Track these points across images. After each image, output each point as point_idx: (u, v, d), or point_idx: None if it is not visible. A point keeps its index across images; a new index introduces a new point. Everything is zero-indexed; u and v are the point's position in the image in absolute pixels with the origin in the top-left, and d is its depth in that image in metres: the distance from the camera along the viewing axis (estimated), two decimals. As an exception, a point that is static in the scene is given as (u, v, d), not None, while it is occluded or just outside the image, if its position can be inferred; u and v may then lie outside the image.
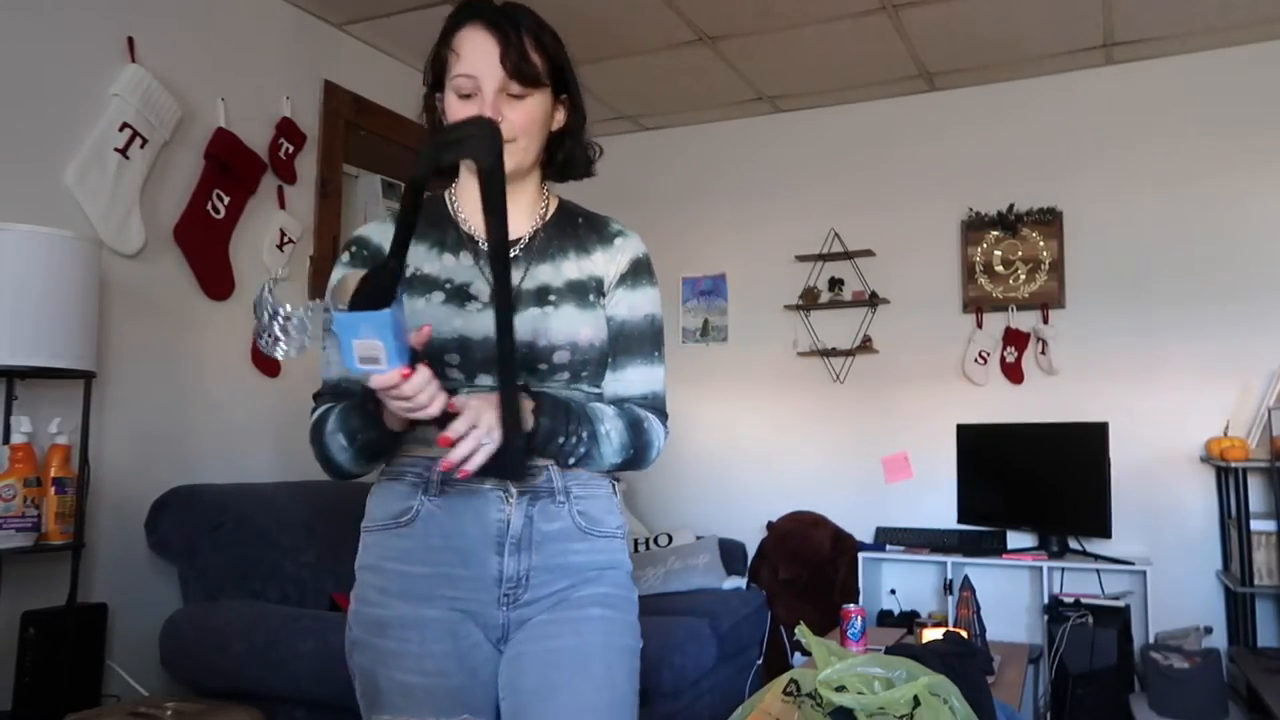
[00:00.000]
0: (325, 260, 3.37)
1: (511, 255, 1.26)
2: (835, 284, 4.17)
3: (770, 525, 4.13)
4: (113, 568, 2.60)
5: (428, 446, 1.21)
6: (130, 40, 2.70)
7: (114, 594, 2.57)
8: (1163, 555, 3.56)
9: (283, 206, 3.20)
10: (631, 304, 1.31)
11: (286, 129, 3.19)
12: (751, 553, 4.11)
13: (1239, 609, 3.34)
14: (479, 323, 1.21)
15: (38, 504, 2.25)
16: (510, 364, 1.07)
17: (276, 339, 1.03)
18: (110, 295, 2.62)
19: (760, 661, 3.64)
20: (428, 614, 1.19)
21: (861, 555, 3.80)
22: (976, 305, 3.95)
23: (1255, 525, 3.21)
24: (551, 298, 1.25)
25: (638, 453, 1.27)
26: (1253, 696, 2.95)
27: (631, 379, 1.31)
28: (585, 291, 1.28)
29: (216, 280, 2.94)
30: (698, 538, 3.97)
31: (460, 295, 1.23)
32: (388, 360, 0.98)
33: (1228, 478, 3.40)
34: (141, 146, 2.68)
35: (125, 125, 2.64)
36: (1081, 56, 3.75)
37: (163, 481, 2.67)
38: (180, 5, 2.88)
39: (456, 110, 1.22)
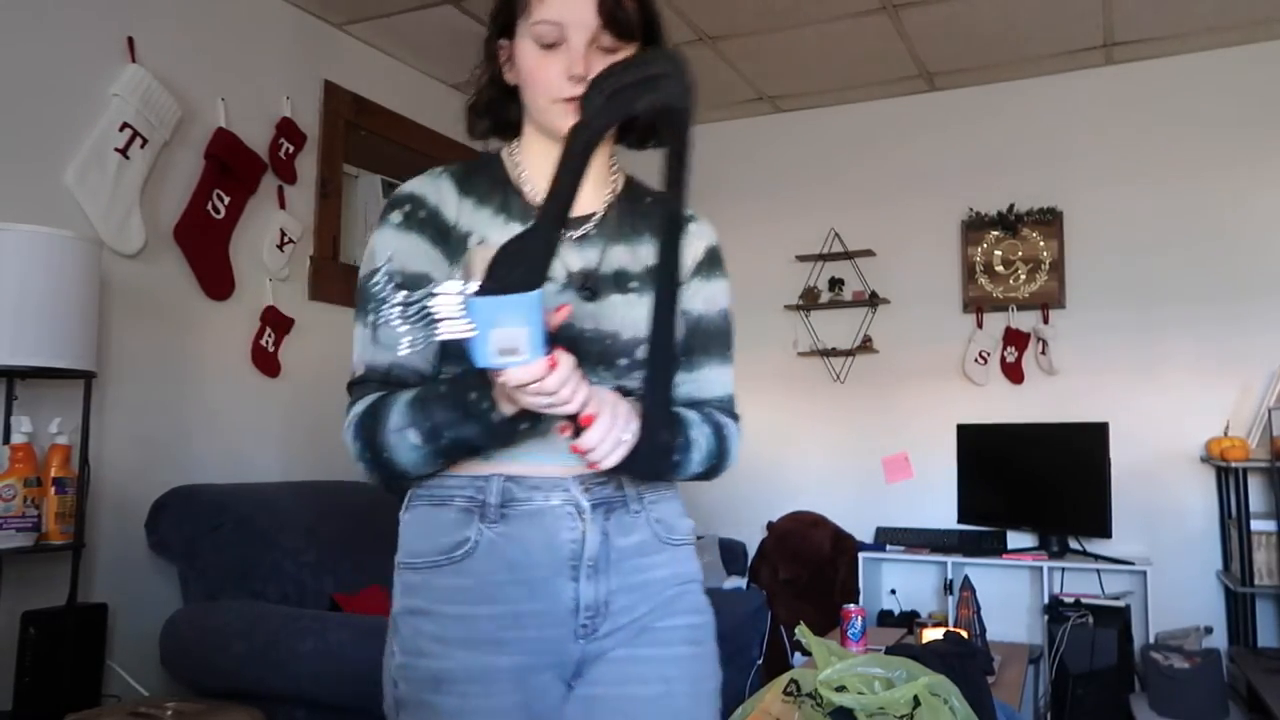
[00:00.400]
0: (325, 260, 3.37)
1: (584, 233, 1.12)
2: (835, 284, 4.17)
3: (770, 525, 4.13)
4: (113, 568, 2.60)
5: (483, 461, 1.05)
6: (130, 40, 2.70)
7: (114, 594, 2.57)
8: (1163, 555, 3.55)
9: (283, 206, 3.20)
10: (708, 297, 1.20)
11: (287, 129, 3.19)
12: (752, 553, 4.11)
13: (1239, 609, 3.34)
14: (557, 307, 1.06)
15: (38, 504, 2.25)
16: (668, 348, 0.96)
17: (398, 328, 0.84)
18: (110, 295, 2.62)
19: (760, 661, 3.64)
20: (496, 663, 1.02)
21: (861, 555, 3.80)
22: (977, 305, 3.95)
23: (1255, 525, 3.21)
24: (632, 284, 1.11)
25: (718, 462, 1.15)
26: (1253, 696, 2.95)
27: (709, 380, 1.20)
28: (664, 280, 1.15)
29: (217, 280, 2.94)
30: (698, 538, 3.98)
31: None
32: (530, 350, 0.82)
33: (1228, 478, 3.40)
34: (142, 146, 2.68)
35: (125, 125, 2.64)
36: (1081, 56, 3.75)
37: (163, 481, 2.67)
38: (180, 5, 2.88)
39: (534, 64, 1.05)
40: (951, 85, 4.04)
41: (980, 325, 3.93)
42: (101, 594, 2.55)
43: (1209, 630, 3.42)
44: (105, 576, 2.58)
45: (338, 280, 3.40)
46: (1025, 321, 3.87)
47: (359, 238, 3.51)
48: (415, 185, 1.11)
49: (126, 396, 2.68)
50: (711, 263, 1.21)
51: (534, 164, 1.13)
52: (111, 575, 2.59)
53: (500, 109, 1.15)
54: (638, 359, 1.09)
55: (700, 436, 1.12)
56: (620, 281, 1.11)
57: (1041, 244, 3.86)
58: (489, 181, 1.13)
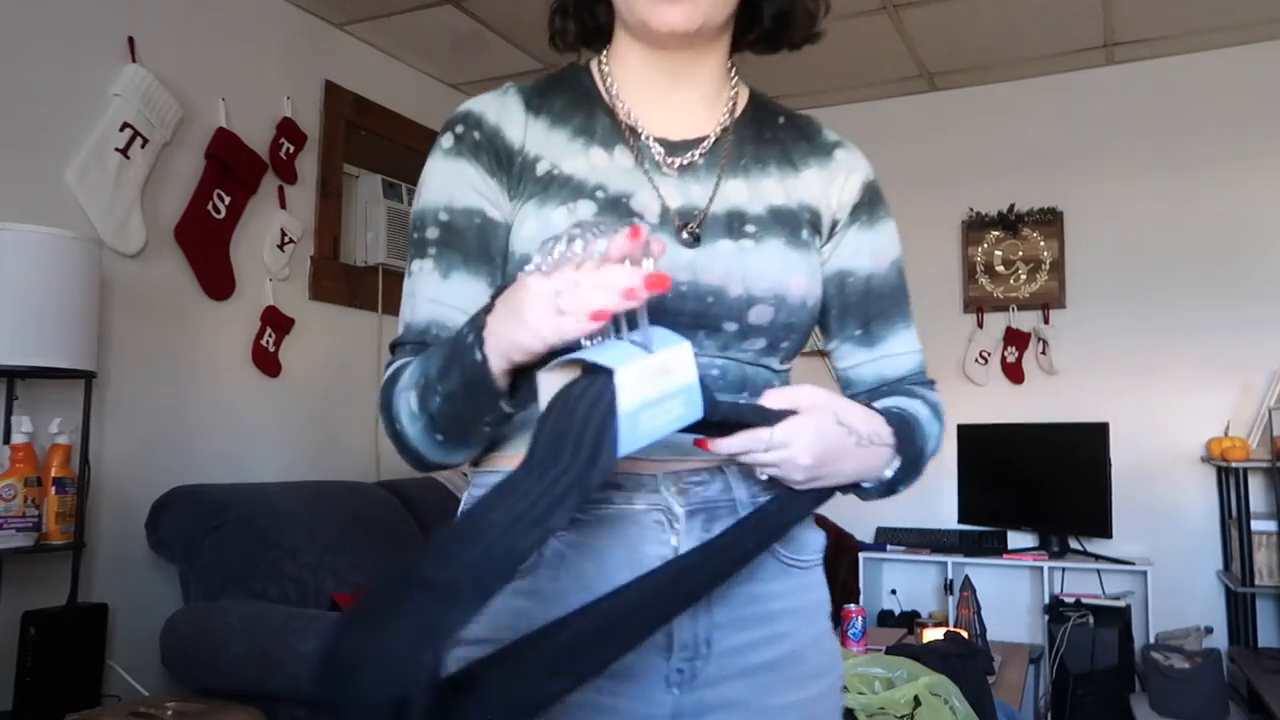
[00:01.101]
0: (326, 260, 3.37)
1: (690, 162, 0.90)
2: (836, 284, 4.17)
3: (771, 525, 4.13)
4: (113, 568, 2.60)
5: None
6: (131, 40, 2.70)
7: (114, 594, 2.57)
8: (1163, 555, 3.55)
9: (283, 206, 3.20)
10: (876, 248, 0.95)
11: (287, 129, 3.19)
12: (752, 553, 4.10)
13: (1240, 609, 3.34)
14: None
15: (38, 504, 2.25)
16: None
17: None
18: (111, 295, 2.62)
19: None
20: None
21: (862, 555, 3.80)
22: (977, 305, 3.95)
23: (1256, 525, 3.21)
24: (749, 229, 0.88)
25: (926, 462, 0.93)
26: (1253, 697, 2.95)
27: (897, 352, 0.97)
28: (796, 224, 0.91)
29: (217, 280, 2.94)
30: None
31: (618, 209, 0.86)
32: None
33: (1228, 478, 3.40)
34: (142, 146, 2.68)
35: (126, 125, 2.64)
36: (1081, 56, 3.74)
37: (163, 481, 2.67)
38: (181, 5, 2.88)
39: None
40: (952, 85, 4.04)
41: (981, 325, 3.93)
42: (102, 594, 2.55)
43: (1209, 630, 3.42)
44: (105, 576, 2.58)
45: (338, 280, 3.40)
46: (1026, 321, 3.87)
47: (359, 238, 3.51)
48: (475, 102, 0.91)
49: (127, 396, 2.68)
50: (873, 203, 0.96)
51: (627, 76, 0.93)
52: (112, 575, 2.59)
53: (588, 7, 0.96)
54: (751, 324, 0.86)
55: (930, 439, 0.92)
56: (733, 224, 0.88)
57: (1042, 244, 3.85)
58: (569, 98, 0.92)
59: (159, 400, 2.78)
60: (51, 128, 2.51)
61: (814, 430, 0.78)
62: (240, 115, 3.04)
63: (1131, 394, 3.67)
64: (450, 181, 0.87)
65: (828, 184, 0.95)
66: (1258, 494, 3.37)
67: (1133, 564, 3.44)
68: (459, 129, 0.88)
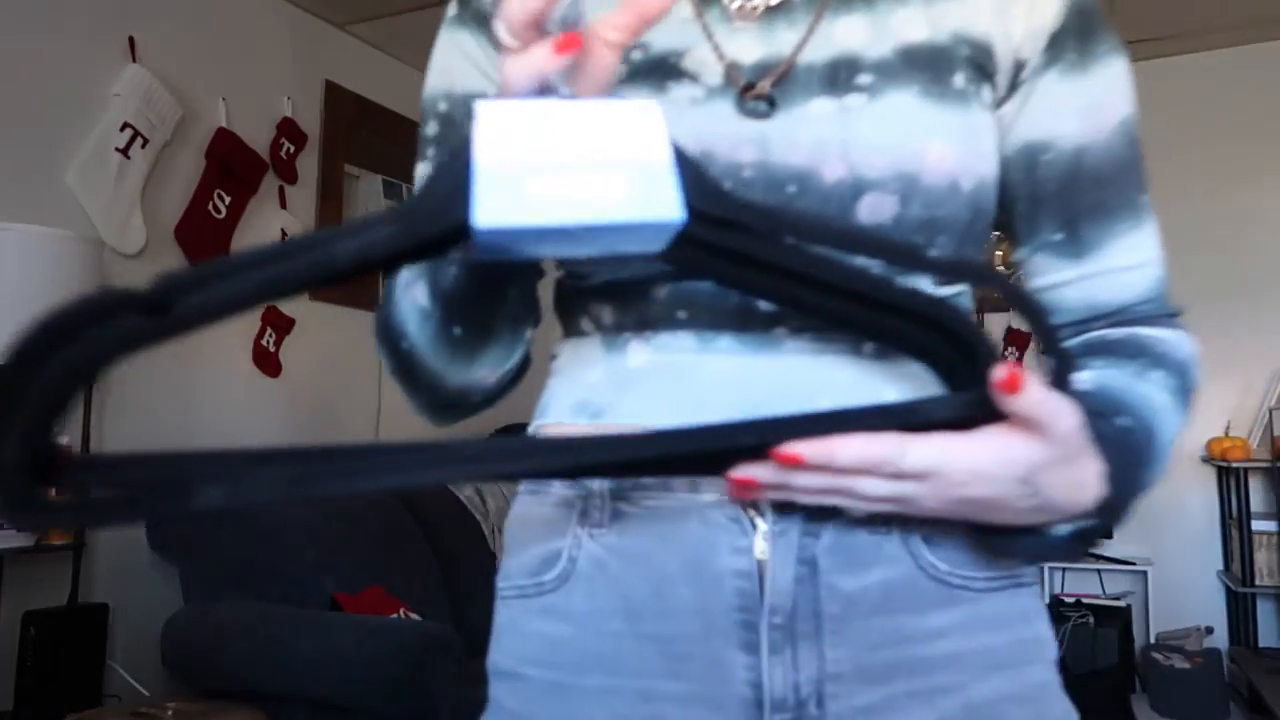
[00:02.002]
0: (326, 260, 3.37)
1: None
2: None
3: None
4: (114, 568, 2.60)
5: (592, 415, 0.62)
6: (131, 40, 2.70)
7: (115, 594, 2.57)
8: (1164, 555, 3.55)
9: (284, 207, 3.20)
10: (1090, 103, 0.63)
11: (288, 129, 3.19)
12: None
13: (1240, 609, 3.34)
14: (695, 126, 0.59)
15: (39, 504, 2.25)
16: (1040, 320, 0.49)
17: None
18: (111, 295, 2.62)
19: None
20: None
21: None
22: (978, 306, 3.94)
23: (1256, 525, 3.21)
24: (862, 79, 0.60)
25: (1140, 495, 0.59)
26: (1254, 697, 2.95)
27: (1119, 266, 0.65)
28: (943, 65, 0.61)
29: (217, 280, 2.94)
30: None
31: (660, 72, 0.61)
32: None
33: (1229, 478, 3.40)
34: (143, 146, 2.68)
35: (126, 125, 2.64)
36: (1082, 56, 3.75)
37: (164, 481, 2.67)
38: (181, 5, 2.88)
39: None
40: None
41: (982, 326, 3.92)
42: (102, 594, 2.55)
43: (1210, 630, 3.42)
44: (106, 576, 2.58)
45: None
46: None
47: (360, 238, 3.51)
48: None
49: (127, 396, 2.68)
50: (1084, 31, 0.64)
51: None
52: (112, 575, 2.59)
53: None
54: (860, 221, 0.58)
55: (1171, 421, 0.61)
56: (837, 75, 0.60)
57: (1042, 244, 3.85)
58: None
59: (159, 400, 2.78)
60: (52, 128, 2.51)
61: (998, 466, 0.48)
62: (241, 115, 3.03)
63: (1132, 394, 3.67)
64: (450, 61, 0.69)
65: (1009, 5, 0.62)
66: (1258, 494, 3.37)
67: (1133, 564, 3.44)
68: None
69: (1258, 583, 3.19)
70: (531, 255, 0.50)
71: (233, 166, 2.96)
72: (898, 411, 0.49)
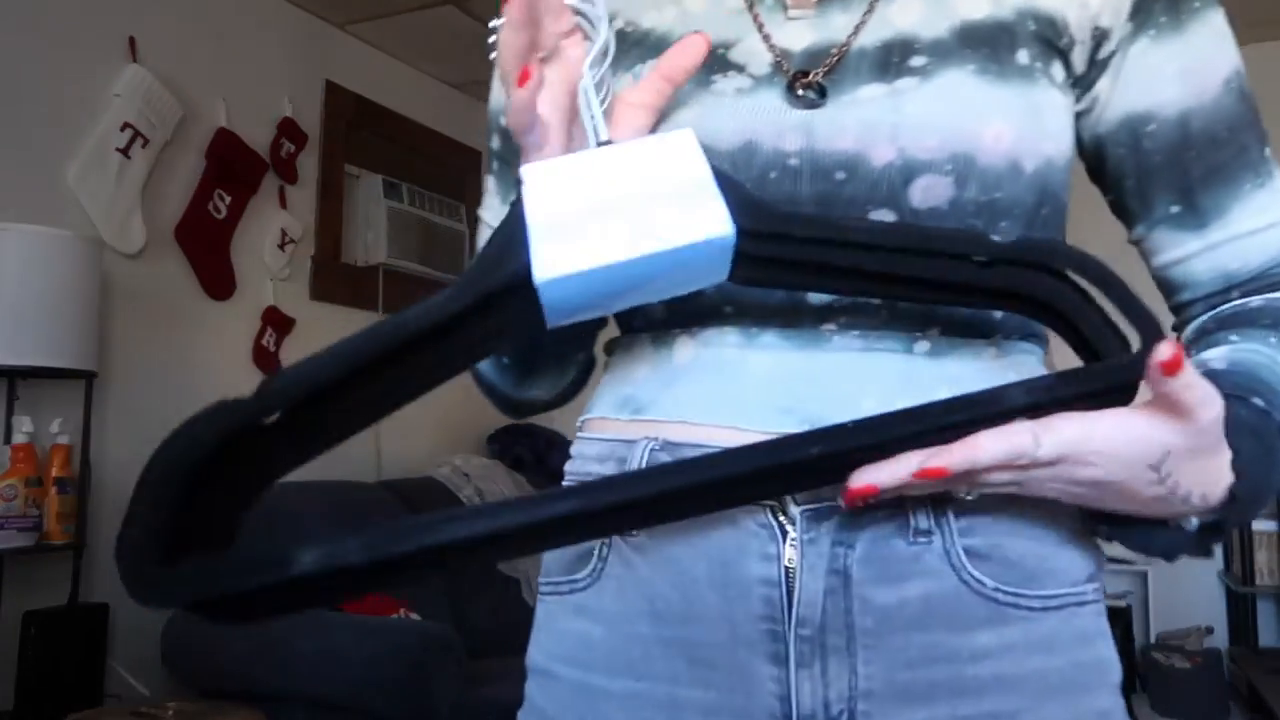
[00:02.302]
0: (327, 260, 3.37)
1: None
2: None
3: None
4: (114, 568, 2.57)
5: (634, 411, 0.61)
6: (132, 40, 2.70)
7: (115, 594, 2.57)
8: (1164, 555, 3.55)
9: (284, 206, 3.20)
10: (1190, 64, 0.59)
11: (288, 129, 3.19)
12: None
13: (1240, 609, 3.34)
14: (739, 116, 0.58)
15: (39, 504, 2.25)
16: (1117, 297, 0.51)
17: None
18: (112, 295, 2.62)
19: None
20: None
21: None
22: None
23: (1257, 525, 3.21)
24: (915, 61, 0.57)
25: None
26: (1254, 697, 2.95)
27: (1248, 229, 0.60)
28: (1003, 43, 0.57)
29: (218, 280, 2.94)
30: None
31: (706, 65, 0.58)
32: None
33: (1229, 478, 3.40)
34: (143, 146, 2.68)
35: (127, 125, 2.64)
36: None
37: (164, 481, 2.67)
38: (182, 5, 2.88)
39: None
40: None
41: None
42: (103, 594, 2.55)
43: (1210, 630, 3.42)
44: (106, 576, 2.58)
45: (339, 280, 3.40)
46: (1026, 321, 3.86)
47: (360, 238, 3.51)
48: None
49: (128, 396, 2.68)
50: None
51: None
52: (113, 575, 2.58)
53: None
54: (918, 208, 0.56)
55: None
56: (889, 59, 0.57)
57: (1042, 244, 3.85)
58: None
59: (160, 400, 2.78)
60: (52, 128, 2.51)
61: (1131, 449, 0.47)
62: (241, 115, 3.03)
63: (1132, 394, 3.67)
64: None
65: None
66: (1258, 494, 3.37)
67: (1133, 564, 3.44)
68: None
69: (1258, 583, 3.18)
70: (598, 308, 0.49)
71: (233, 166, 2.96)
72: (1020, 393, 0.46)
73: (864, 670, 0.54)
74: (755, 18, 0.61)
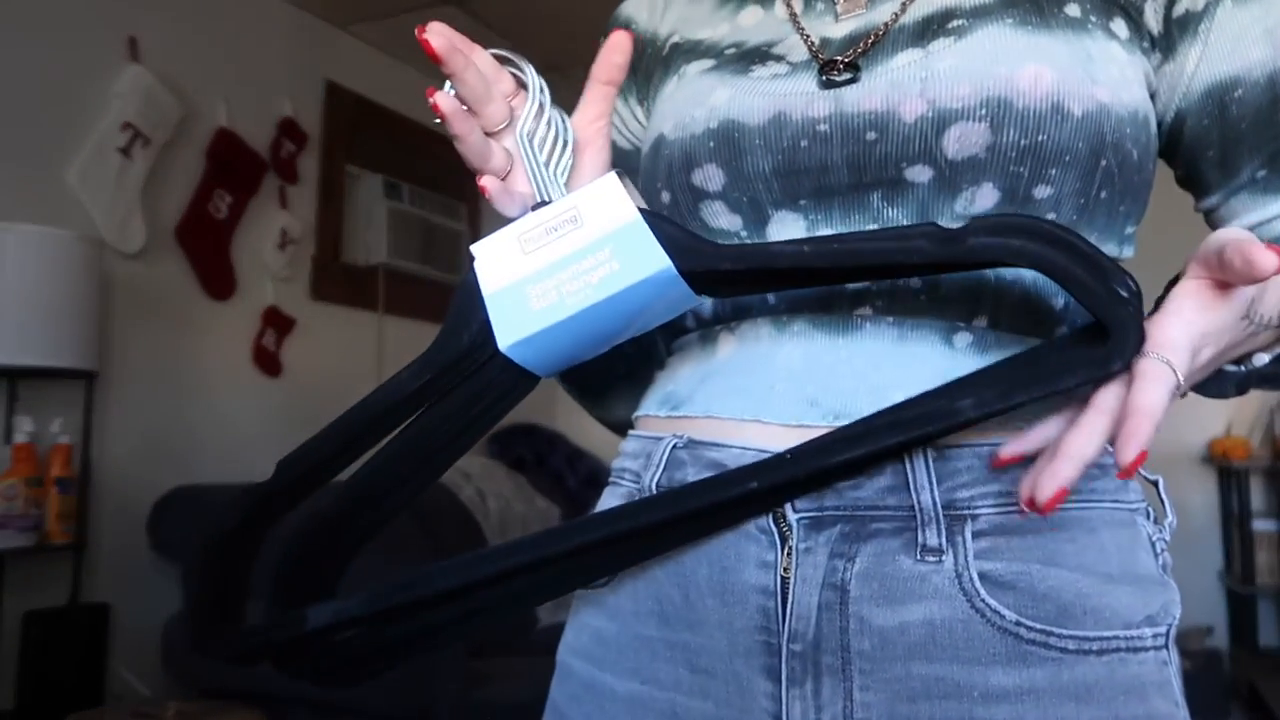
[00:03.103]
0: (327, 260, 3.37)
1: None
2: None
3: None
4: (115, 568, 2.60)
5: (672, 408, 0.61)
6: (132, 40, 2.70)
7: (116, 594, 2.57)
8: (1164, 555, 3.55)
9: (284, 206, 3.20)
10: (1241, 28, 0.56)
11: (288, 129, 3.19)
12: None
13: (1241, 609, 3.34)
14: (768, 94, 0.58)
15: (40, 504, 2.25)
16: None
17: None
18: (112, 295, 2.62)
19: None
20: None
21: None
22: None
23: (1257, 525, 3.21)
24: (955, 23, 0.56)
25: None
26: (1254, 697, 2.95)
27: None
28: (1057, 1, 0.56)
29: (218, 280, 2.94)
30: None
31: (745, 58, 0.62)
32: None
33: (1230, 478, 3.40)
34: (144, 146, 2.68)
35: (127, 125, 2.64)
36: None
37: (165, 481, 2.67)
38: (183, 6, 2.88)
39: None
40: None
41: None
42: (103, 594, 2.55)
43: (1210, 630, 3.42)
44: (107, 576, 2.58)
45: (339, 280, 3.40)
46: (1027, 322, 3.86)
47: (361, 238, 3.51)
48: (626, 4, 0.73)
49: (128, 396, 2.68)
50: None
51: None
52: (113, 575, 2.59)
53: None
54: (954, 159, 0.53)
55: None
56: (929, 28, 0.57)
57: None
58: None
59: (160, 400, 2.78)
60: (53, 128, 2.51)
61: (1223, 317, 0.48)
62: (241, 115, 3.04)
63: (1132, 394, 3.67)
64: None
65: None
66: (1259, 494, 3.37)
67: (1134, 564, 3.44)
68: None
69: (1258, 583, 3.18)
70: (582, 354, 0.52)
71: (233, 166, 2.96)
72: (970, 405, 0.46)
73: (860, 697, 0.50)
74: (800, 28, 0.62)
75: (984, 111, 0.52)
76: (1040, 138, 0.52)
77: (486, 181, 0.52)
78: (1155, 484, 0.57)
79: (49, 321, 2.18)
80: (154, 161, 2.74)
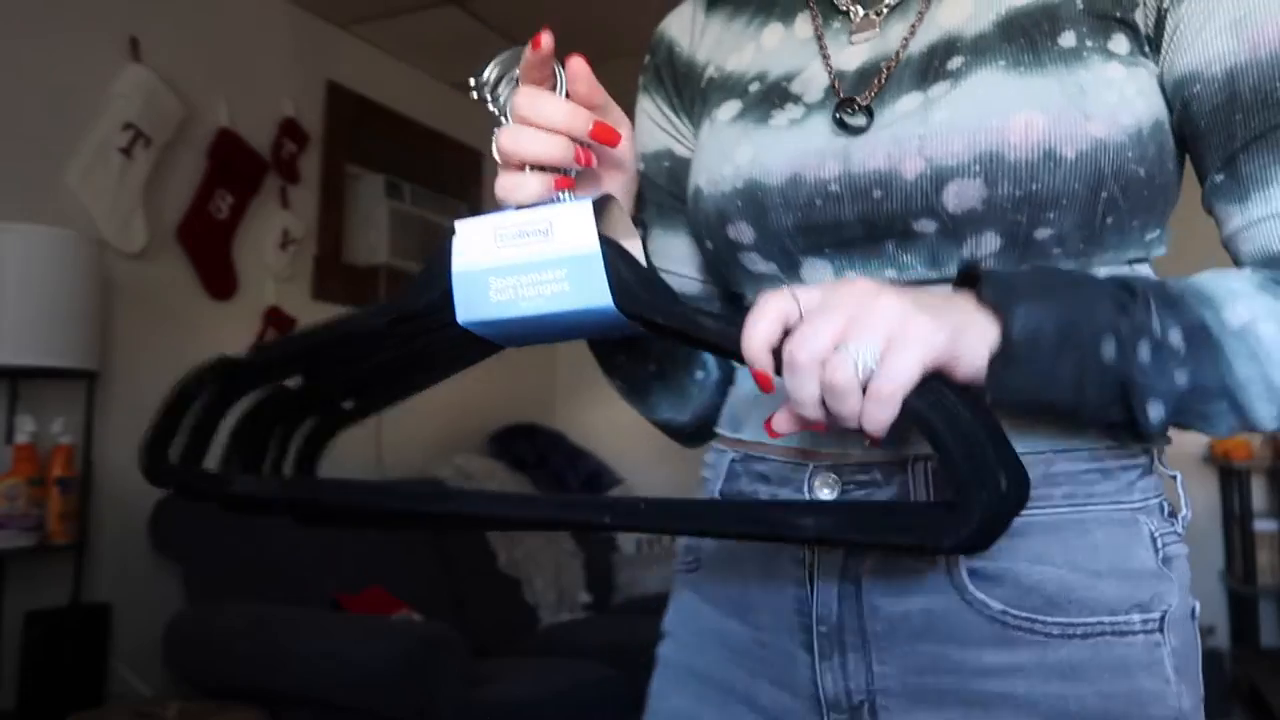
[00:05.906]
0: (328, 260, 3.37)
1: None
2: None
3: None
4: (116, 568, 2.60)
5: (733, 429, 0.69)
6: (134, 40, 2.70)
7: (117, 594, 2.57)
8: (1166, 556, 3.55)
9: (285, 206, 3.20)
10: (1241, 17, 0.54)
11: (289, 129, 3.19)
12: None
13: (1242, 609, 3.34)
14: (786, 151, 0.61)
15: (41, 504, 2.25)
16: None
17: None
18: (113, 295, 2.62)
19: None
20: None
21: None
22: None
23: (1258, 525, 3.21)
24: (953, 63, 0.57)
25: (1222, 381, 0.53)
26: (1255, 697, 2.94)
27: None
28: (1043, 30, 0.56)
29: (220, 280, 2.94)
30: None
31: (766, 100, 0.64)
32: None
33: (1231, 478, 3.40)
34: (145, 146, 2.68)
35: (129, 125, 2.64)
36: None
37: (166, 481, 2.67)
38: (184, 6, 2.88)
39: None
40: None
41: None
42: (104, 594, 2.55)
43: (1211, 631, 3.42)
44: (108, 576, 2.58)
45: (340, 280, 3.40)
46: (1028, 322, 3.86)
47: (362, 238, 3.51)
48: (671, 15, 0.76)
49: (129, 396, 2.68)
50: None
51: None
52: (114, 575, 2.59)
53: None
54: (954, 213, 0.55)
55: (1269, 329, 0.52)
56: (930, 65, 0.58)
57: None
58: None
59: (159, 399, 2.78)
60: (54, 128, 2.51)
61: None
62: (243, 115, 3.04)
63: (1134, 394, 3.67)
64: (640, 122, 0.75)
65: None
66: (1260, 494, 3.37)
67: (1135, 564, 3.44)
68: (647, 57, 0.75)
69: (1259, 583, 3.18)
70: (529, 341, 0.58)
71: (235, 166, 2.96)
72: (812, 521, 0.51)
73: (879, 669, 0.59)
74: (823, 48, 0.64)
75: (978, 168, 0.54)
76: (1034, 186, 0.54)
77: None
78: (1174, 479, 0.63)
79: (50, 321, 2.18)
80: (155, 161, 2.74)
